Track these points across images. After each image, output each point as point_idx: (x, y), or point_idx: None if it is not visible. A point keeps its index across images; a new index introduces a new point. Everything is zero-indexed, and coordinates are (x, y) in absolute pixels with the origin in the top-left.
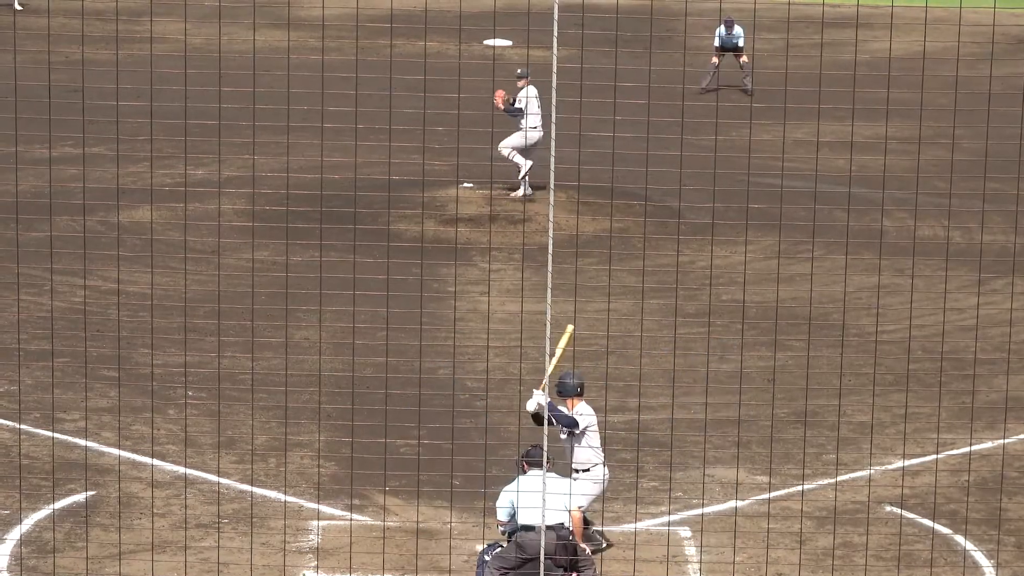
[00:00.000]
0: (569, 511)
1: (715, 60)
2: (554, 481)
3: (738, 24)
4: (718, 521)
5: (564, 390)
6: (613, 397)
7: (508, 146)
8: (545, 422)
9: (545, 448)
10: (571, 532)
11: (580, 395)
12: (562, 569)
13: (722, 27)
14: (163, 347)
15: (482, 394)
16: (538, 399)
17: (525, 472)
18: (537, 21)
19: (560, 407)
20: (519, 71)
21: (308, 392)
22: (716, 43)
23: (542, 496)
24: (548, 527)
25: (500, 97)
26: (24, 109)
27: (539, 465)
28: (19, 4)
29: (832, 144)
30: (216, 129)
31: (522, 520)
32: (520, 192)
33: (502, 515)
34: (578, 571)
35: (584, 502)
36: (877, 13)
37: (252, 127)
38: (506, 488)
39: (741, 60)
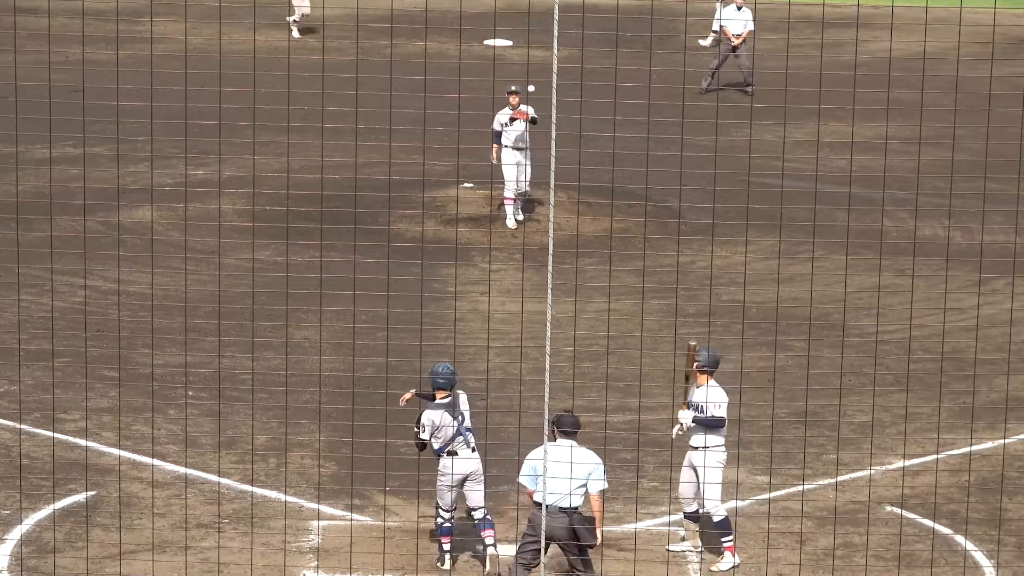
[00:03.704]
0: (588, 489)
1: (734, 42)
2: (583, 455)
3: (747, 6)
4: None
5: (711, 364)
6: (613, 397)
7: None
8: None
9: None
10: (585, 518)
11: (711, 372)
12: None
13: (731, 8)
14: (163, 347)
15: (483, 394)
16: (685, 419)
17: (555, 439)
18: (537, 21)
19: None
20: (516, 86)
21: (308, 392)
22: (723, 22)
23: (544, 467)
24: (561, 510)
25: (523, 115)
26: (25, 109)
27: (569, 434)
28: (297, 31)
29: (833, 144)
30: (216, 129)
31: (538, 497)
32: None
33: (527, 483)
34: (583, 559)
35: (601, 482)
36: (877, 13)
37: (252, 127)
38: (530, 455)
39: (739, 52)
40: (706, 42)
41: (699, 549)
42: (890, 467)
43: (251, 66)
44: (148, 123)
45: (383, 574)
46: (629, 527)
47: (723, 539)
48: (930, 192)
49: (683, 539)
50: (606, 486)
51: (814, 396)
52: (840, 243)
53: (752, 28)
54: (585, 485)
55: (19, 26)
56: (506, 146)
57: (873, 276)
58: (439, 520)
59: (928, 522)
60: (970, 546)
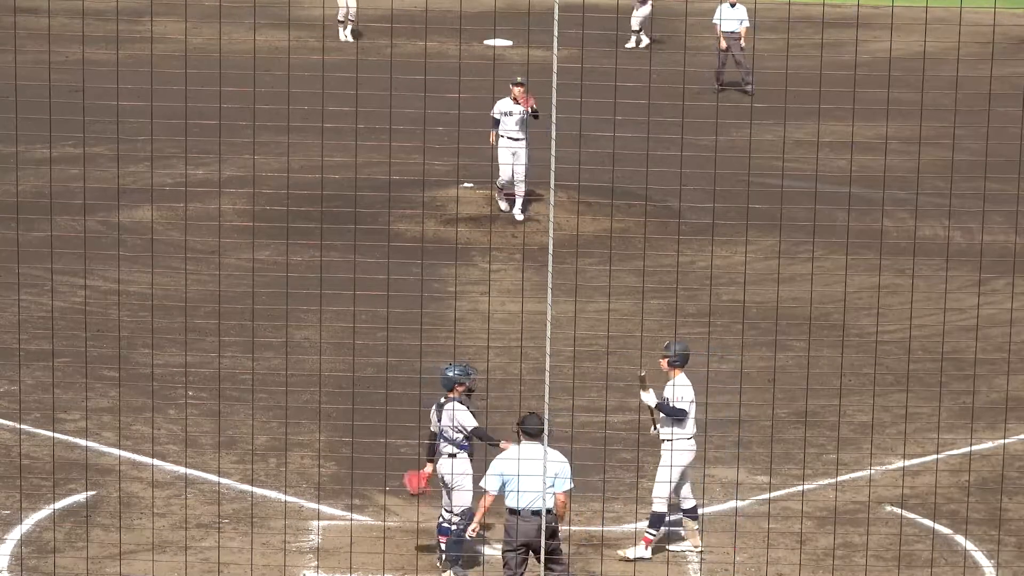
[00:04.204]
0: (554, 492)
1: (723, 44)
2: (549, 455)
3: (742, 4)
4: (718, 521)
5: (671, 361)
6: (613, 397)
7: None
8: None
9: (547, 419)
10: (556, 517)
11: (682, 366)
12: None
13: (725, 5)
14: (163, 347)
15: (483, 394)
16: (648, 400)
17: (519, 442)
18: (537, 21)
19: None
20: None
21: (308, 392)
22: (716, 20)
23: (517, 468)
24: (534, 513)
25: (531, 102)
26: (25, 109)
27: (534, 435)
28: (346, 35)
29: (833, 144)
30: (216, 129)
31: (508, 502)
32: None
33: (491, 485)
34: (555, 557)
35: (567, 482)
36: (877, 13)
37: (252, 127)
38: (499, 456)
39: (740, 47)
40: (631, 44)
41: (699, 548)
42: (890, 467)
43: (251, 66)
44: (148, 123)
45: (383, 574)
46: (629, 527)
47: (647, 530)
48: (930, 192)
49: (683, 539)
50: (572, 486)
51: (814, 396)
52: (840, 243)
53: (748, 25)
54: (553, 486)
55: (19, 26)
56: (501, 135)
57: (873, 276)
58: (439, 519)
59: (928, 522)
60: (970, 546)
